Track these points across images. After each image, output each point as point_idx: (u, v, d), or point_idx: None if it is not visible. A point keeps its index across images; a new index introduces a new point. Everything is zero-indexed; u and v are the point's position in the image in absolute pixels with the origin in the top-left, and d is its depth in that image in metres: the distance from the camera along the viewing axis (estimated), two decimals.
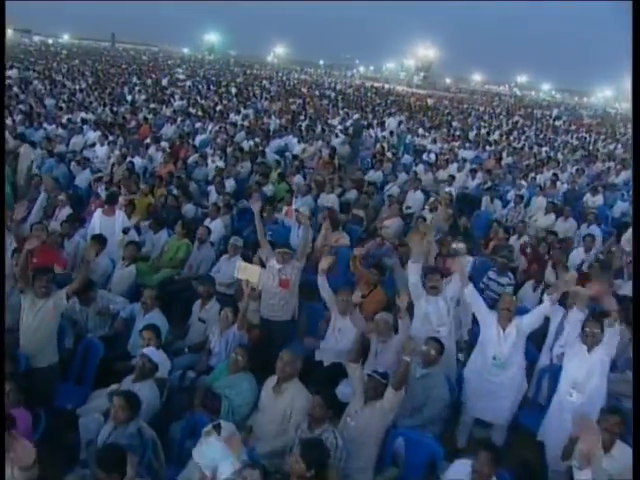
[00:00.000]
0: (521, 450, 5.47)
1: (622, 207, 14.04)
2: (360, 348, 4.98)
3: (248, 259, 6.90)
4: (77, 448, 4.42)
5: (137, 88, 29.67)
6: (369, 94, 46.86)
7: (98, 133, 14.37)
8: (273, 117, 23.31)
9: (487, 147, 21.85)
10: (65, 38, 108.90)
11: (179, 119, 19.55)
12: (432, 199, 11.36)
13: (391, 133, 22.31)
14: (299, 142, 17.60)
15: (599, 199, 14.45)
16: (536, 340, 6.17)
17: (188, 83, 35.82)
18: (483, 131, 28.16)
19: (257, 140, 16.78)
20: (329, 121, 24.17)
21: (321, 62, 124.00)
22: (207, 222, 8.80)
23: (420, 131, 24.44)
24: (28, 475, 3.36)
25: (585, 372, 5.01)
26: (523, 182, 14.55)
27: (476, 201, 13.23)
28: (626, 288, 8.12)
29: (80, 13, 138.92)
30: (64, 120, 16.62)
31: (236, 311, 5.59)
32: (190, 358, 5.74)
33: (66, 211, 8.38)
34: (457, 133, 25.38)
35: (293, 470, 3.66)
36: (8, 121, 15.26)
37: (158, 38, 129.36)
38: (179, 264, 7.83)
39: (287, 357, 4.66)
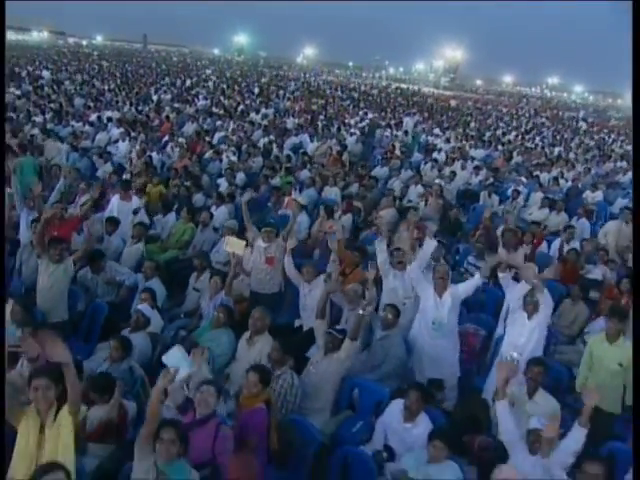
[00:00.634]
0: (473, 409, 6.18)
1: (622, 203, 14.57)
2: (324, 307, 5.76)
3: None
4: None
5: (163, 88, 30.82)
6: (393, 95, 47.48)
7: (121, 130, 15.34)
8: (292, 117, 24.12)
9: (499, 147, 22.47)
10: (99, 40, 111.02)
11: (201, 118, 20.53)
12: (423, 191, 12.08)
13: (405, 132, 23.01)
14: (312, 140, 18.41)
15: (598, 195, 15.00)
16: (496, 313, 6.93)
17: (209, 83, 36.82)
18: (499, 132, 28.67)
19: (272, 138, 17.59)
20: (346, 121, 24.87)
21: (350, 64, 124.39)
22: (213, 209, 9.68)
23: (436, 131, 25.11)
24: None
25: (525, 336, 5.72)
26: (523, 179, 15.16)
27: (477, 196, 13.90)
28: (594, 273, 8.84)
29: (113, 15, 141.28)
30: (91, 118, 17.68)
31: (224, 279, 6.42)
32: (184, 321, 6.59)
33: (85, 198, 9.30)
34: (472, 133, 25.97)
35: (247, 384, 4.49)
36: (39, 118, 16.39)
37: (190, 39, 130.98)
38: (184, 245, 8.71)
39: (257, 314, 5.50)
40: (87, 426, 4.25)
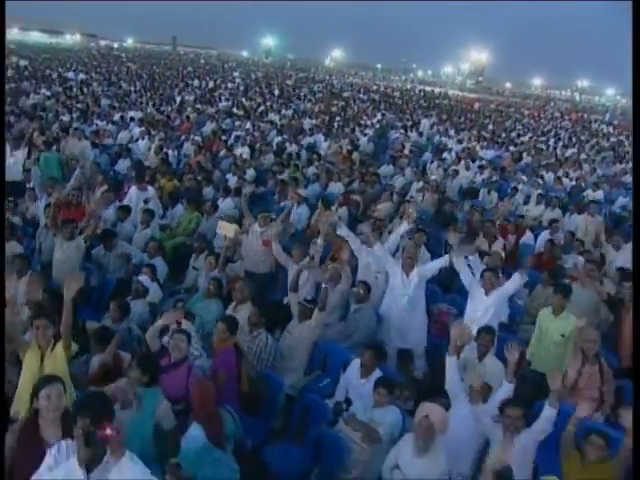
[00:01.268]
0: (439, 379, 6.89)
1: (622, 202, 15.17)
2: (296, 282, 6.54)
3: None
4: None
5: (187, 89, 31.86)
6: (415, 98, 48.03)
7: (142, 129, 16.25)
8: (309, 118, 24.90)
9: (512, 147, 23.07)
10: (129, 42, 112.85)
11: (221, 118, 21.45)
12: (420, 186, 12.78)
13: (420, 134, 23.70)
14: (326, 140, 19.20)
15: (599, 194, 15.55)
16: None
17: (229, 84, 37.77)
18: (514, 134, 29.18)
19: (285, 137, 18.40)
20: (362, 122, 25.58)
21: (379, 66, 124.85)
22: (219, 201, 10.51)
23: (452, 132, 25.73)
24: None
25: (482, 310, 6.40)
26: (524, 177, 15.79)
27: (477, 193, 14.55)
28: (568, 261, 9.46)
29: (144, 18, 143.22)
30: (116, 117, 18.67)
31: (217, 258, 7.22)
32: (183, 295, 7.36)
33: (102, 189, 10.20)
34: (487, 135, 26.55)
35: (217, 332, 5.31)
36: (66, 117, 17.43)
37: (219, 42, 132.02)
38: (191, 232, 9.51)
39: (239, 286, 6.32)
40: (89, 372, 5.06)
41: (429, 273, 6.82)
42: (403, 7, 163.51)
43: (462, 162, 17.01)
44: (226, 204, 10.40)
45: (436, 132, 25.29)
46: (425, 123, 25.99)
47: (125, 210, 9.04)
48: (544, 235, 10.69)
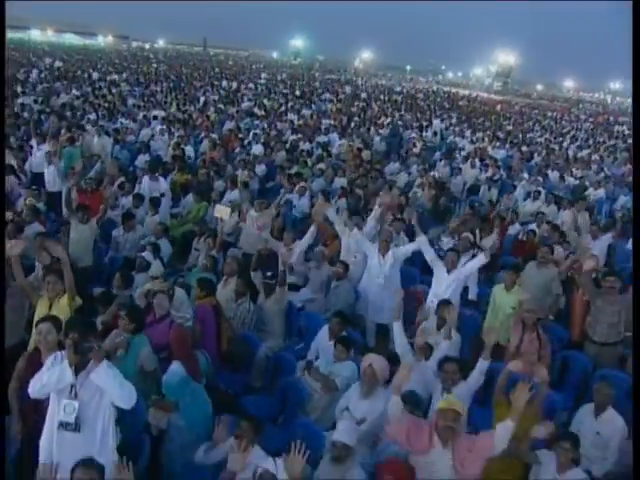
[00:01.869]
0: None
1: (623, 200, 15.75)
2: (264, 256, 7.40)
3: None
4: None
5: (213, 90, 32.92)
6: (438, 99, 48.56)
7: (162, 126, 17.24)
8: (328, 118, 25.73)
9: (524, 148, 23.68)
10: (160, 43, 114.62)
11: (240, 117, 22.41)
12: (419, 181, 13.53)
13: (435, 134, 24.41)
14: (341, 139, 20.03)
15: (600, 193, 16.17)
16: None
17: (251, 85, 38.78)
18: (530, 135, 29.73)
19: (300, 135, 19.25)
20: (379, 122, 26.34)
21: (408, 67, 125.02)
22: (227, 193, 11.38)
23: (468, 133, 26.36)
24: None
25: (444, 287, 7.15)
26: (525, 175, 16.41)
27: (479, 190, 15.26)
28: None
29: (176, 19, 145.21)
30: (140, 116, 19.71)
31: (215, 239, 8.08)
32: (185, 273, 8.23)
33: (120, 180, 11.16)
34: (502, 135, 27.18)
35: (196, 292, 6.18)
36: (92, 116, 18.48)
37: (250, 43, 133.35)
38: (199, 220, 10.39)
39: (228, 261, 7.19)
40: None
41: (402, 255, 7.61)
42: (434, 8, 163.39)
43: (468, 161, 17.68)
44: (232, 195, 11.24)
45: (451, 132, 26.01)
46: (437, 123, 26.60)
47: (139, 198, 9.99)
48: (532, 227, 11.39)
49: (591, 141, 30.60)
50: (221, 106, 25.84)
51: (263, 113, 25.28)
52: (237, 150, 16.25)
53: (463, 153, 19.89)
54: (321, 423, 5.33)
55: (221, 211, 8.23)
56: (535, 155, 22.15)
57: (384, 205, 8.32)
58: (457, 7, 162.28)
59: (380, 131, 22.90)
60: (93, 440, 3.80)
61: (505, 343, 6.57)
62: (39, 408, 4.06)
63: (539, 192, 14.00)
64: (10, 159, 11.74)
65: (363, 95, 40.82)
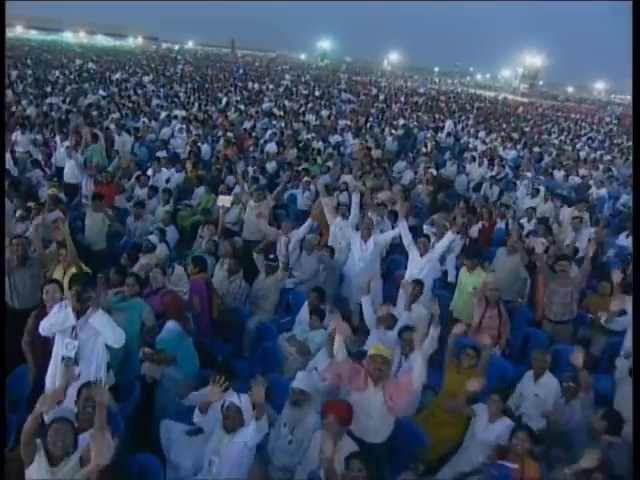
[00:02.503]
0: None
1: (624, 199, 16.31)
2: (268, 243, 8.14)
3: None
4: None
5: (236, 90, 33.87)
6: (461, 101, 48.95)
7: (181, 126, 18.17)
8: (346, 119, 26.49)
9: (536, 148, 24.26)
10: (190, 45, 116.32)
11: (260, 117, 23.30)
12: (418, 177, 14.26)
13: (448, 134, 25.06)
14: (354, 138, 20.80)
15: (602, 192, 16.76)
16: None
17: (271, 86, 39.69)
18: (544, 136, 30.21)
19: (313, 135, 20.05)
20: (395, 122, 27.02)
21: (436, 69, 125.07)
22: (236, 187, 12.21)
23: (482, 134, 26.95)
24: None
25: (417, 268, 7.87)
26: (528, 174, 17.01)
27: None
28: (532, 242, 10.73)
29: (205, 21, 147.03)
30: (162, 116, 20.69)
31: (216, 226, 8.91)
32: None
33: (137, 174, 12.07)
34: (516, 136, 27.78)
35: (190, 268, 6.96)
36: (116, 115, 19.49)
37: (279, 44, 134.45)
38: (207, 211, 11.23)
39: (224, 244, 7.99)
40: None
41: (382, 241, 8.40)
42: (465, 9, 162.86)
43: (475, 160, 18.33)
44: (238, 188, 12.07)
45: (465, 133, 26.65)
46: (449, 124, 27.20)
47: (153, 189, 10.87)
48: (522, 221, 12.05)
49: (607, 143, 30.94)
50: (242, 107, 26.71)
51: (282, 114, 26.09)
52: (251, 148, 17.07)
53: (473, 153, 20.47)
54: None
55: (223, 200, 9.08)
56: (545, 156, 22.65)
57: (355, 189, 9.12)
58: (487, 9, 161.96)
59: (393, 131, 23.57)
60: (88, 374, 4.61)
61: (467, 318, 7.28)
62: (47, 355, 4.88)
63: (538, 190, 14.60)
64: (37, 154, 12.79)
65: (381, 96, 41.40)
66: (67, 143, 12.24)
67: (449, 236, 7.89)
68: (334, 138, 20.56)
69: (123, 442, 4.57)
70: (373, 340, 6.22)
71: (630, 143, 31.18)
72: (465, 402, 5.42)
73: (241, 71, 52.15)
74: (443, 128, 26.59)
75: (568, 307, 7.17)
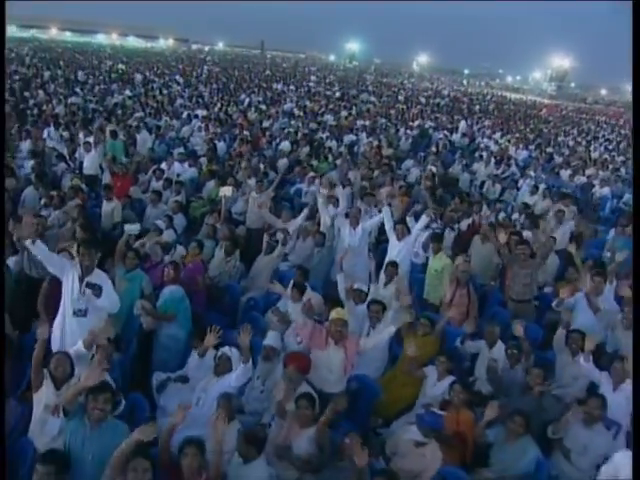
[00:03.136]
0: None
1: (627, 198, 16.90)
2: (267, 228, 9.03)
3: None
4: None
5: (260, 91, 34.85)
6: (483, 103, 49.35)
7: (201, 124, 19.15)
8: (363, 119, 27.25)
9: (549, 149, 24.88)
10: (220, 46, 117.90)
11: (280, 117, 24.23)
12: (416, 174, 15.01)
13: (463, 135, 25.74)
14: (367, 137, 21.61)
15: (605, 190, 17.37)
16: None
17: (292, 87, 40.63)
18: (560, 138, 30.71)
19: (327, 134, 20.89)
20: (411, 123, 27.75)
21: (466, 71, 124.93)
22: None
23: (497, 135, 27.57)
24: None
25: (395, 253, 8.65)
26: (532, 173, 17.66)
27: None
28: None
29: (235, 22, 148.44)
30: (184, 115, 21.70)
31: (220, 214, 9.79)
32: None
33: (153, 168, 13.01)
34: (531, 137, 28.38)
35: (190, 251, 7.83)
36: (140, 114, 20.54)
37: (309, 46, 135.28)
38: (217, 202, 12.11)
39: (223, 229, 8.83)
40: None
41: (369, 227, 9.21)
42: (496, 10, 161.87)
43: (482, 159, 19.02)
44: (249, 182, 12.95)
45: (481, 134, 27.31)
46: (462, 125, 27.85)
47: (167, 182, 11.80)
48: (515, 216, 12.75)
49: (624, 144, 31.26)
50: (263, 107, 27.64)
51: (302, 114, 26.96)
52: (265, 146, 17.96)
53: (482, 153, 21.11)
54: None
55: (225, 190, 9.96)
56: (556, 156, 23.22)
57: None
58: (518, 10, 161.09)
59: (408, 132, 24.31)
60: (95, 324, 5.47)
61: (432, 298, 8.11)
62: (56, 313, 5.77)
63: (537, 187, 15.26)
64: (63, 149, 13.82)
65: (401, 97, 42.11)
66: (88, 139, 13.23)
67: (423, 219, 8.68)
68: (348, 137, 21.36)
69: (120, 389, 5.43)
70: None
71: None
72: (419, 365, 6.22)
73: (267, 72, 53.11)
74: (457, 129, 27.27)
75: (528, 287, 7.91)
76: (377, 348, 6.60)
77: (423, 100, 42.37)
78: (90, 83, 29.72)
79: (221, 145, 17.06)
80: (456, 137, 25.29)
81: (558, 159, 22.64)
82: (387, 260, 8.51)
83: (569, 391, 6.27)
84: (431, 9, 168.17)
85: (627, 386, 5.75)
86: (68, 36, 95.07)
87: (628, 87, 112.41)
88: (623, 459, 4.54)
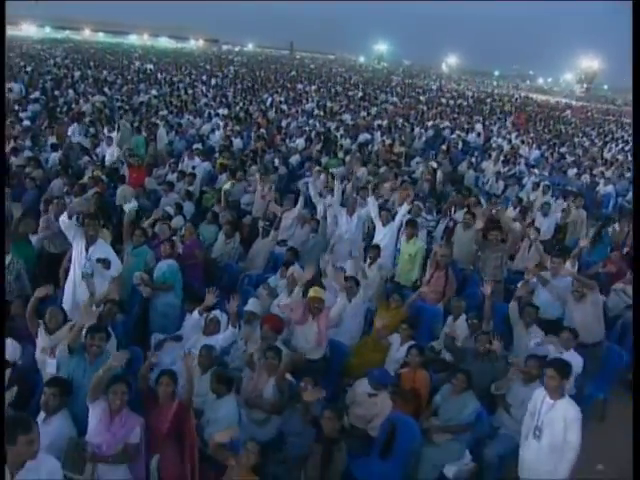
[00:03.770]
0: None
1: (630, 196, 17.44)
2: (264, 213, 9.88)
3: None
4: None
5: (283, 91, 35.81)
6: (506, 105, 49.63)
7: (219, 122, 20.14)
8: (381, 119, 28.02)
9: (563, 149, 25.44)
10: (249, 47, 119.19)
11: (299, 116, 25.15)
12: (422, 170, 15.74)
13: (478, 134, 26.37)
14: (381, 136, 22.39)
15: (609, 188, 17.96)
16: None
17: (313, 87, 41.56)
18: (577, 139, 31.15)
19: (341, 132, 21.70)
20: (427, 123, 28.43)
21: (496, 73, 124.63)
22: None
23: (513, 136, 28.15)
24: None
25: (380, 237, 9.43)
26: (536, 171, 18.30)
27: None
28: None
29: (265, 23, 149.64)
30: (206, 113, 22.71)
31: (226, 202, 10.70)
32: None
33: (170, 161, 13.98)
34: (547, 137, 28.94)
35: (186, 229, 8.73)
36: (164, 112, 21.60)
37: (339, 47, 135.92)
38: (228, 195, 13.01)
39: (224, 214, 9.68)
40: None
41: (364, 215, 9.97)
42: (527, 10, 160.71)
43: (491, 158, 19.68)
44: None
45: (496, 134, 27.93)
46: (478, 126, 28.48)
47: (181, 174, 12.73)
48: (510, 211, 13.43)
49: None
50: (284, 106, 28.54)
51: (322, 113, 27.80)
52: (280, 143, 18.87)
53: (491, 152, 21.76)
54: None
55: (227, 184, 10.88)
56: (568, 156, 23.75)
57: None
58: (549, 11, 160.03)
59: (422, 131, 25.03)
60: (101, 286, 6.39)
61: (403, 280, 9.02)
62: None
63: (538, 184, 15.89)
64: (88, 144, 14.87)
65: (422, 98, 42.74)
66: (111, 134, 14.26)
67: (404, 207, 9.47)
68: (363, 136, 22.12)
69: (124, 346, 6.30)
70: (329, 286, 7.88)
71: None
72: (389, 333, 7.05)
73: (293, 73, 54.07)
74: (472, 129, 27.88)
75: (499, 269, 8.67)
76: (354, 320, 7.47)
77: (444, 101, 42.89)
78: (119, 83, 30.92)
79: (237, 141, 17.98)
80: (471, 137, 25.92)
81: (570, 159, 23.15)
82: (372, 244, 9.31)
83: (523, 358, 7.00)
84: (462, 10, 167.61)
85: (570, 353, 6.51)
86: (101, 37, 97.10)
87: None
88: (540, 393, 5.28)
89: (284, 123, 23.17)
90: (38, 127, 16.36)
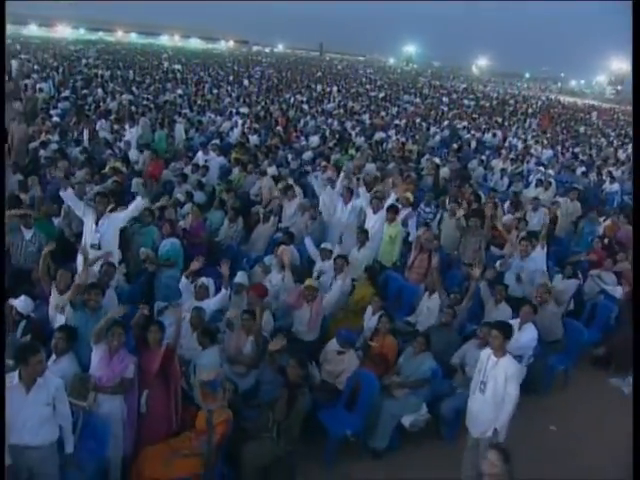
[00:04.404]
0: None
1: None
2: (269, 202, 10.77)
3: None
4: None
5: (306, 91, 36.69)
6: (531, 107, 49.85)
7: (238, 120, 21.10)
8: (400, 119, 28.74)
9: (577, 149, 25.97)
10: (280, 48, 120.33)
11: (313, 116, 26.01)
12: (425, 166, 16.50)
13: (494, 135, 26.95)
14: (396, 134, 23.15)
15: (615, 187, 18.49)
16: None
17: (335, 88, 42.32)
18: (594, 140, 31.53)
19: (356, 131, 22.50)
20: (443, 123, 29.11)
21: (527, 75, 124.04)
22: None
23: (529, 136, 28.69)
24: None
25: (371, 224, 10.17)
26: (542, 169, 18.88)
27: None
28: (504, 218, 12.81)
29: (296, 24, 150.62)
30: (227, 112, 23.68)
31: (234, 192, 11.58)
32: None
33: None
34: (563, 138, 29.46)
35: (192, 213, 9.62)
36: (187, 110, 22.62)
37: (369, 49, 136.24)
38: (241, 186, 13.90)
39: (229, 200, 10.56)
40: None
41: (358, 205, 10.72)
42: (558, 11, 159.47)
43: (500, 157, 20.34)
44: (271, 170, 14.68)
45: (513, 134, 28.50)
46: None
47: (195, 166, 13.66)
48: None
49: None
50: (305, 106, 29.39)
51: (342, 112, 28.60)
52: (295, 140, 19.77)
53: (502, 151, 22.36)
54: None
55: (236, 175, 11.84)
56: (581, 155, 24.25)
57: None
58: (579, 13, 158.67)
59: (438, 130, 25.74)
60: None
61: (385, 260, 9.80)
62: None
63: (541, 181, 16.51)
64: (111, 138, 15.91)
65: (445, 99, 43.30)
66: (134, 130, 15.37)
67: (392, 196, 10.26)
68: (379, 135, 22.87)
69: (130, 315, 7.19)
70: (317, 266, 8.72)
71: None
72: (365, 304, 7.90)
73: (319, 74, 54.93)
74: (489, 129, 28.47)
75: (477, 253, 9.41)
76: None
77: (466, 102, 43.37)
78: (147, 82, 32.06)
79: (254, 138, 18.87)
80: (487, 137, 26.51)
81: (583, 158, 23.62)
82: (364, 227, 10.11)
83: None
84: (492, 12, 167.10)
85: (529, 326, 7.28)
86: (133, 38, 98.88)
87: None
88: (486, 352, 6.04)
89: (302, 122, 24.01)
90: (67, 123, 17.45)
